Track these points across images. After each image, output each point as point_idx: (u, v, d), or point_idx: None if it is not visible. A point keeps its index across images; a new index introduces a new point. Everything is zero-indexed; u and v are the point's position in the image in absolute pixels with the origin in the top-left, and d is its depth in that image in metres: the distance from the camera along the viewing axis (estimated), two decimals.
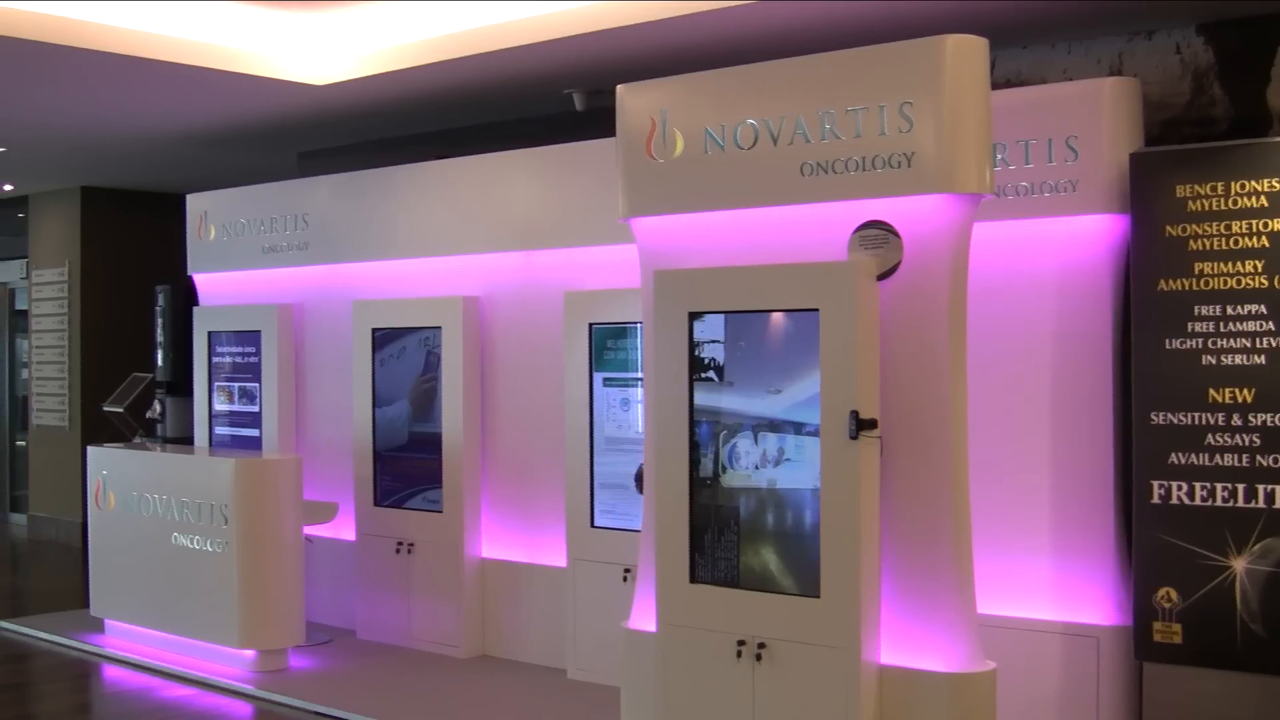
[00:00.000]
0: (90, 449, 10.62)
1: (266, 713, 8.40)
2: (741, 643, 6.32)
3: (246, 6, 8.74)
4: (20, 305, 17.04)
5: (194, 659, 9.35)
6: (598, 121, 8.68)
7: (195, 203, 11.73)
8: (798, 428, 6.18)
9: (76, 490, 14.74)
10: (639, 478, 8.08)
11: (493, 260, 9.48)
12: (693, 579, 6.53)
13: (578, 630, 8.74)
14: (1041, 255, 7.28)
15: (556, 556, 9.01)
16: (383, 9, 8.77)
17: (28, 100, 10.25)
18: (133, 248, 15.37)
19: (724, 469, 6.45)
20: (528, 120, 10.49)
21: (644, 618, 6.90)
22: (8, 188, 15.67)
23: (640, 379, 8.13)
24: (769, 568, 6.31)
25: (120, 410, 12.31)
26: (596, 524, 8.66)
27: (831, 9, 7.63)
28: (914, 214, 6.07)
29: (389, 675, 9.06)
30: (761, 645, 6.25)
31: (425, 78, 9.21)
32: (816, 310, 6.08)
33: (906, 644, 6.11)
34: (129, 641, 9.93)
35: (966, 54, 5.97)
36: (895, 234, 6.12)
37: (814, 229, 6.38)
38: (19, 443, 17.15)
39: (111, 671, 9.51)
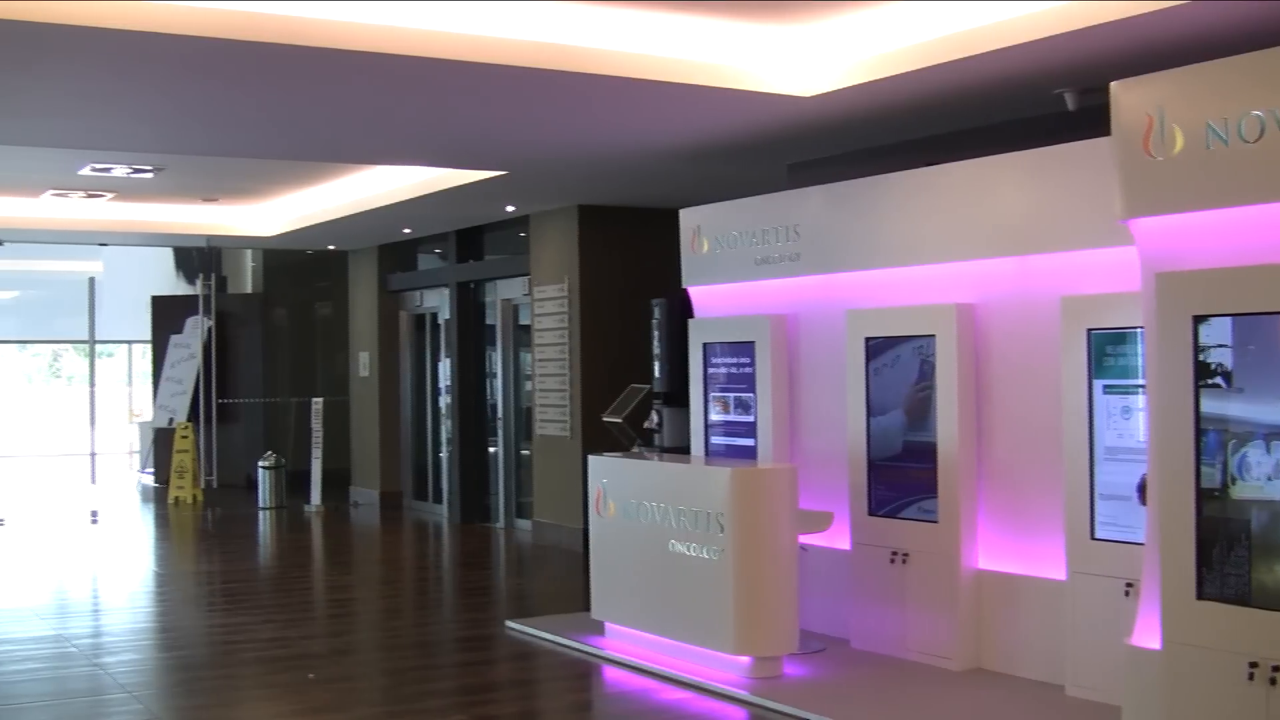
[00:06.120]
0: (591, 458, 10.94)
1: (760, 719, 8.49)
2: (1254, 664, 6.03)
3: (733, 23, 8.87)
4: (523, 320, 17.78)
5: (690, 663, 9.51)
6: (1090, 121, 8.45)
7: (688, 217, 11.99)
8: None
9: (578, 498, 15.27)
10: (1142, 489, 7.81)
11: (984, 266, 9.33)
12: (1200, 595, 6.28)
13: (1077, 645, 8.50)
14: None
15: (1054, 569, 8.79)
16: (867, 18, 8.75)
17: (530, 126, 10.68)
18: (628, 262, 15.84)
19: (1233, 480, 6.17)
20: (1015, 122, 10.29)
21: (1147, 634, 6.68)
22: (510, 209, 16.39)
23: (1142, 386, 7.87)
24: None
25: (619, 420, 12.68)
26: (1097, 536, 8.40)
27: None
28: None
29: (881, 686, 9.03)
30: (1276, 668, 5.95)
31: (911, 84, 9.14)
32: None
33: None
34: (627, 644, 10.19)
35: None
36: None
37: None
38: (524, 452, 17.88)
39: (611, 673, 9.80)
